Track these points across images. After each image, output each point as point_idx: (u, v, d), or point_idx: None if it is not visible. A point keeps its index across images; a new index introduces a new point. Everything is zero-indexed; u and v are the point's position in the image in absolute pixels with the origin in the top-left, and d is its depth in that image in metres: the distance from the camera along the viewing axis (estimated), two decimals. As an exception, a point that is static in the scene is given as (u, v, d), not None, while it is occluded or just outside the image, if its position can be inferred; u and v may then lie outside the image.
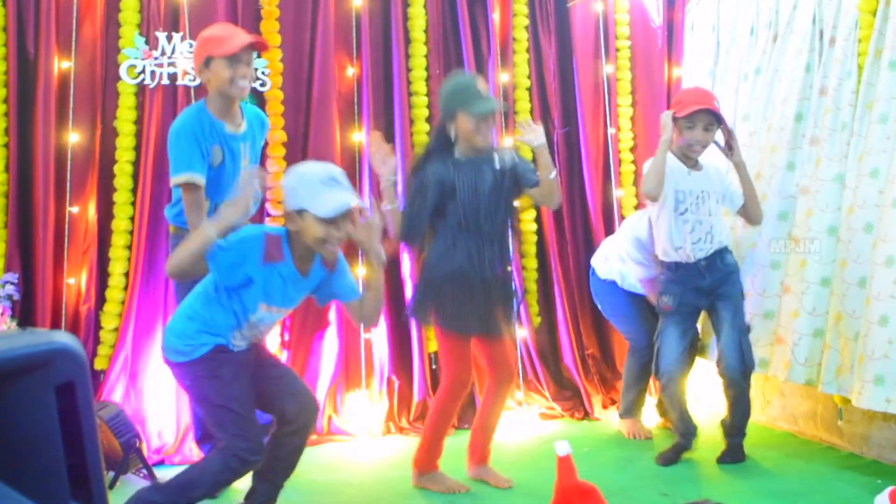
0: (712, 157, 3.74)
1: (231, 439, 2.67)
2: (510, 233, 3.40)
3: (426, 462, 3.32)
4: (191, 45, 3.90)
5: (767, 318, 3.80)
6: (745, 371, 3.57)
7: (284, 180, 2.71)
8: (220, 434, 2.73)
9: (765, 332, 3.80)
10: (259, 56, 4.02)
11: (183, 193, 3.12)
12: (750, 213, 3.72)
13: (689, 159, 3.64)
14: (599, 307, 4.28)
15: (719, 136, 3.61)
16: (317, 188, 2.60)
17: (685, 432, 3.67)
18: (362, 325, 3.86)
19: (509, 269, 3.34)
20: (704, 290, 3.64)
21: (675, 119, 3.55)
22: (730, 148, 3.60)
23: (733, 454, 3.63)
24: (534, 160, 3.40)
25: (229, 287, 2.65)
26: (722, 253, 3.66)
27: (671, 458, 3.64)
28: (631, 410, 4.10)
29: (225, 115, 3.18)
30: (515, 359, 3.60)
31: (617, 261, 4.07)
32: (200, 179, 3.08)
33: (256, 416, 2.76)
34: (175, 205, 3.28)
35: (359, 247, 2.89)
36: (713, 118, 3.54)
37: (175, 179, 3.11)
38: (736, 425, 3.66)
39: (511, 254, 3.41)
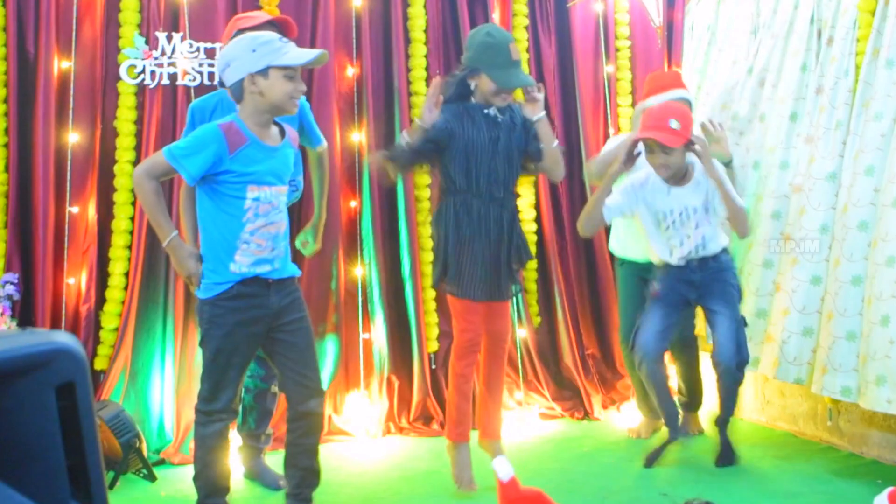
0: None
1: (200, 392, 2.74)
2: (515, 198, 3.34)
3: (453, 431, 3.31)
4: (191, 45, 3.91)
5: (760, 317, 3.81)
6: (740, 362, 3.52)
7: (228, 50, 2.66)
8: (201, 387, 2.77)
9: (758, 331, 3.80)
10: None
11: None
12: (733, 227, 3.58)
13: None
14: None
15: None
16: (277, 45, 2.61)
17: (668, 417, 3.62)
18: None
19: (517, 231, 3.29)
20: (695, 283, 3.57)
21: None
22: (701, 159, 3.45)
23: (727, 456, 3.59)
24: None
25: (215, 185, 2.62)
26: (717, 254, 3.58)
27: (655, 454, 3.59)
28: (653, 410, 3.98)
29: None
30: (510, 320, 3.56)
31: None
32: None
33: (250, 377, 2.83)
34: None
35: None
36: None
37: None
38: (723, 416, 3.62)
39: (517, 215, 3.35)
